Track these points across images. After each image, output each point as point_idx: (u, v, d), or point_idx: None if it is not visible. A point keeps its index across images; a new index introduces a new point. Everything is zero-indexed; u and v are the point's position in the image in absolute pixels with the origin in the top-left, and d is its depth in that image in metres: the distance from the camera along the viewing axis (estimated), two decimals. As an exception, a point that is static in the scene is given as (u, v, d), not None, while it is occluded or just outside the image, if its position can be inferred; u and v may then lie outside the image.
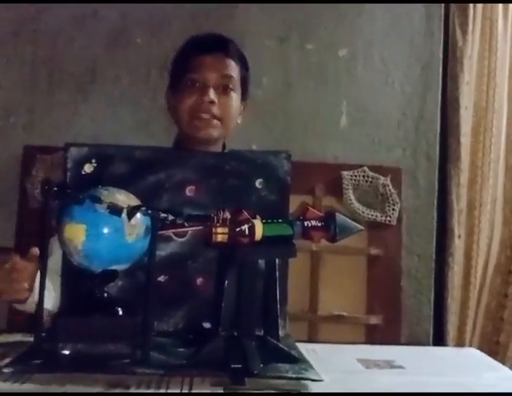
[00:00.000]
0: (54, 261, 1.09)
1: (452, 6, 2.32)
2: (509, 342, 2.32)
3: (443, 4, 2.33)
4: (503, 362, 1.29)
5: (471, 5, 2.30)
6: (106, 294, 1.04)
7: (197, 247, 1.15)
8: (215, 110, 1.42)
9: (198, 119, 1.42)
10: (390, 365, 1.16)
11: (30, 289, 1.18)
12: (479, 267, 2.31)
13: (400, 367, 1.14)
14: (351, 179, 2.21)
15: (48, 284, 1.02)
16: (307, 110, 2.28)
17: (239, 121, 1.51)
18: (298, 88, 2.28)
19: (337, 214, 1.05)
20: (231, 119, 1.46)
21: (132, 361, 0.99)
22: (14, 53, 2.21)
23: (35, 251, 1.15)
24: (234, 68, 1.46)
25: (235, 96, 1.46)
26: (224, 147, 1.51)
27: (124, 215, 0.97)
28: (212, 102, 1.41)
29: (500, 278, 2.34)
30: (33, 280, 1.17)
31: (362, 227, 1.10)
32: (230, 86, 1.44)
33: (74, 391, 0.90)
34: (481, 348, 2.19)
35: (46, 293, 0.99)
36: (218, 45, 1.46)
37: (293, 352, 1.08)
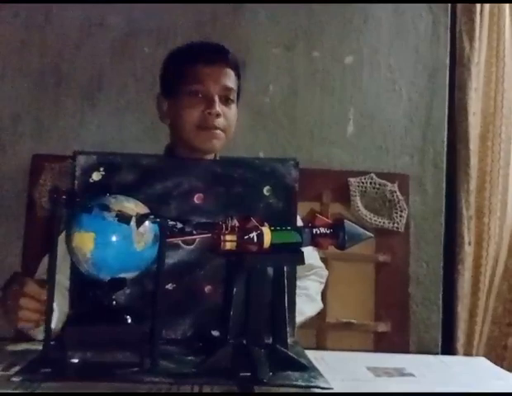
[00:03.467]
0: (62, 276, 1.09)
1: (459, 12, 2.32)
2: (517, 347, 2.31)
3: (449, 11, 2.32)
4: (511, 367, 1.28)
5: (477, 11, 2.30)
6: (114, 303, 1.04)
7: (205, 255, 1.15)
8: (221, 122, 1.43)
9: (204, 130, 1.42)
10: (400, 373, 1.15)
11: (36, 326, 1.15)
12: (487, 274, 2.30)
13: (411, 375, 1.14)
14: (358, 186, 2.20)
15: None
16: (314, 118, 2.28)
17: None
18: (305, 96, 2.28)
19: (346, 221, 1.05)
20: (231, 128, 1.47)
21: (141, 370, 0.98)
22: (21, 61, 2.22)
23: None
24: (233, 80, 1.48)
25: (234, 107, 1.48)
26: (215, 155, 1.51)
27: (132, 223, 0.97)
28: (219, 115, 1.42)
29: (506, 283, 2.33)
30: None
31: (371, 234, 1.10)
32: (231, 97, 1.46)
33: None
34: (488, 354, 2.20)
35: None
36: (220, 56, 1.47)
37: (302, 360, 1.07)
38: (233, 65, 1.48)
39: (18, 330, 1.19)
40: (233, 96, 1.46)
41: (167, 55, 1.57)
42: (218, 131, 1.43)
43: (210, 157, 1.47)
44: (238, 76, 1.50)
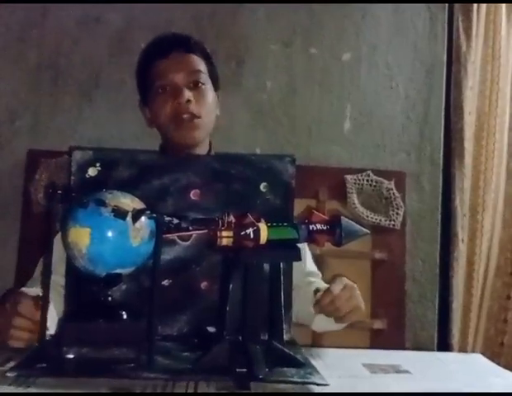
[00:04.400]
0: (59, 276, 1.08)
1: (456, 10, 2.32)
2: (514, 344, 2.32)
3: (446, 8, 2.33)
4: (509, 364, 1.28)
5: (474, 9, 2.30)
6: (110, 298, 1.03)
7: (202, 251, 1.15)
8: (194, 108, 1.38)
9: (180, 121, 1.38)
10: (395, 369, 1.15)
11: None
12: (481, 271, 2.31)
13: (407, 372, 1.14)
14: (355, 183, 2.21)
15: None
16: (311, 115, 2.28)
17: (218, 113, 1.48)
18: (302, 92, 2.28)
19: (342, 217, 1.05)
20: (210, 113, 1.43)
21: (137, 366, 0.98)
22: (18, 57, 2.21)
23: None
24: (198, 62, 1.43)
25: (208, 90, 1.43)
26: (210, 145, 1.49)
27: (129, 219, 0.96)
28: (189, 101, 1.38)
29: (500, 281, 2.34)
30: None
31: (367, 231, 1.10)
32: (201, 80, 1.41)
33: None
34: (484, 351, 2.20)
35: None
36: (175, 44, 1.42)
37: (298, 357, 1.07)
38: (194, 49, 1.43)
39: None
40: (201, 78, 1.41)
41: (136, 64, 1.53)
42: (195, 120, 1.39)
43: (203, 150, 1.45)
44: (205, 58, 1.45)
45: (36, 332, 1.04)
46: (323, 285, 1.40)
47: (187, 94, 1.38)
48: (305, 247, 1.51)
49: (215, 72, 1.48)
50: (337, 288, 1.23)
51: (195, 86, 1.40)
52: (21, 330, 1.09)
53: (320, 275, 1.56)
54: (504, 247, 2.35)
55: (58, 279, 1.11)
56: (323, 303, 1.22)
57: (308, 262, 1.54)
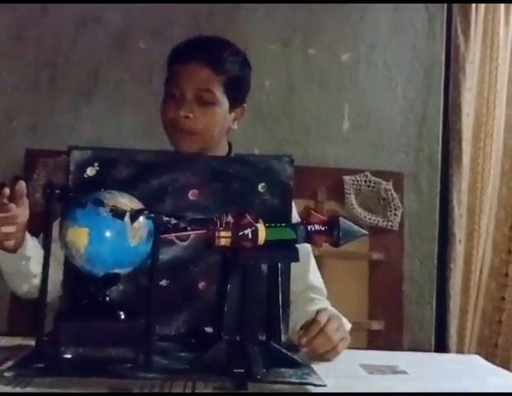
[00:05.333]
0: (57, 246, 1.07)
1: (455, 11, 2.32)
2: (508, 345, 2.32)
3: (445, 9, 2.33)
4: (503, 365, 1.29)
5: (473, 10, 2.30)
6: (108, 298, 1.03)
7: (199, 251, 1.14)
8: (191, 124, 1.33)
9: (177, 132, 1.35)
10: (393, 370, 1.15)
11: (21, 239, 1.14)
12: (477, 272, 2.32)
13: (404, 373, 1.14)
14: (353, 184, 2.21)
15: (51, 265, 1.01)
16: (310, 115, 2.28)
17: (234, 127, 1.42)
18: (301, 92, 2.28)
19: (340, 218, 1.05)
20: (212, 131, 1.36)
21: (134, 365, 0.98)
22: (17, 56, 2.21)
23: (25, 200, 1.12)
24: (213, 80, 1.34)
25: (217, 109, 1.35)
26: (230, 148, 1.45)
27: (127, 219, 0.96)
28: (187, 117, 1.33)
29: (495, 282, 2.35)
30: (24, 230, 1.14)
31: (365, 231, 1.10)
32: (209, 99, 1.34)
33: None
34: (479, 352, 2.21)
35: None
36: (198, 54, 1.34)
37: (296, 357, 1.07)
38: (217, 63, 1.34)
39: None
40: (211, 98, 1.34)
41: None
42: (191, 136, 1.34)
43: (220, 152, 1.41)
44: (226, 76, 1.35)
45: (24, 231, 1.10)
46: (319, 306, 1.34)
47: (188, 109, 1.33)
48: (309, 257, 1.47)
49: (238, 87, 1.38)
50: (324, 317, 1.20)
51: (202, 102, 1.34)
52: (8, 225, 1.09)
53: (325, 292, 1.48)
54: (498, 248, 2.35)
55: (56, 247, 1.08)
56: (311, 334, 1.17)
57: (311, 275, 1.47)
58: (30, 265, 1.19)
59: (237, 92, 1.39)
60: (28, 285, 1.23)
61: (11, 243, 1.13)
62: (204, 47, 1.38)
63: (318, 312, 1.23)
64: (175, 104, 1.35)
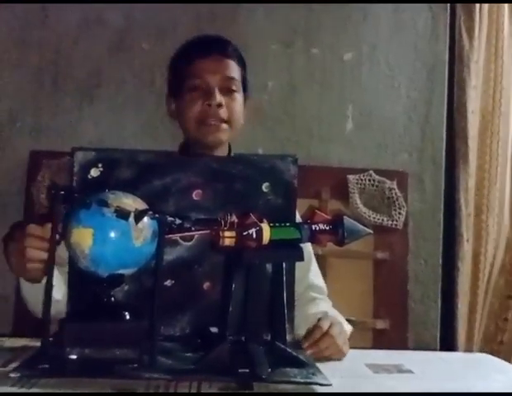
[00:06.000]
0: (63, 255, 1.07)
1: (459, 10, 2.32)
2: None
3: (448, 8, 2.32)
4: (508, 361, 1.28)
5: (477, 9, 2.30)
6: (112, 299, 1.03)
7: (204, 252, 1.14)
8: (223, 113, 1.39)
9: (206, 125, 1.39)
10: (398, 369, 1.15)
11: (45, 270, 1.12)
12: (486, 271, 2.31)
13: (409, 372, 1.13)
14: (357, 183, 2.20)
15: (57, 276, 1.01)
16: (313, 115, 2.28)
17: (242, 121, 1.48)
18: (303, 92, 2.28)
19: (345, 217, 1.05)
20: (238, 120, 1.44)
21: (139, 366, 0.98)
22: (19, 58, 2.21)
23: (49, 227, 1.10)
24: (235, 69, 1.44)
25: (239, 97, 1.44)
26: (230, 149, 1.50)
27: (131, 219, 0.96)
28: (220, 105, 1.38)
29: (503, 279, 2.35)
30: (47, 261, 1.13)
31: (370, 230, 1.09)
32: (234, 87, 1.42)
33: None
34: (484, 348, 2.20)
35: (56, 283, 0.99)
36: (216, 47, 1.43)
37: (301, 357, 1.07)
38: (232, 55, 1.44)
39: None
40: (235, 86, 1.42)
41: (173, 55, 1.52)
42: (221, 124, 1.40)
43: (222, 152, 1.45)
44: (241, 65, 1.46)
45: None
46: (320, 309, 1.38)
47: (219, 97, 1.39)
48: (311, 257, 1.49)
49: (246, 82, 1.48)
50: (326, 324, 1.24)
51: (228, 91, 1.41)
52: (35, 249, 1.08)
53: (326, 291, 1.52)
54: (510, 246, 2.35)
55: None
56: (315, 337, 1.20)
57: (312, 274, 1.50)
58: (54, 292, 1.18)
59: (246, 85, 1.47)
60: (53, 311, 1.23)
61: (39, 273, 1.11)
62: (222, 41, 1.46)
63: (319, 319, 1.26)
64: (201, 96, 1.39)
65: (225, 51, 1.43)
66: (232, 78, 1.42)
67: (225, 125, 1.40)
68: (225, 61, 1.42)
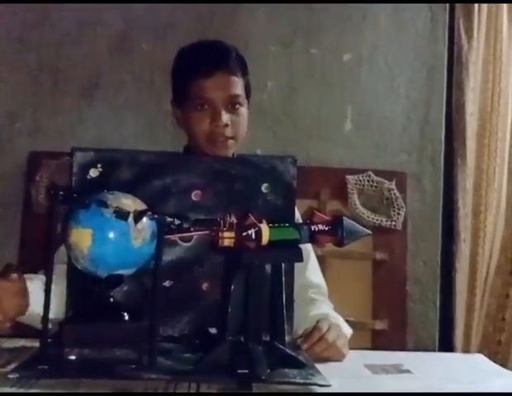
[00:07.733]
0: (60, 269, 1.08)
1: (457, 11, 2.32)
2: (510, 342, 2.32)
3: (447, 9, 2.32)
4: (504, 363, 1.29)
5: (476, 10, 2.30)
6: (111, 300, 1.03)
7: (203, 252, 1.14)
8: (229, 132, 1.39)
9: (214, 143, 1.39)
10: (397, 370, 1.15)
11: (24, 306, 1.14)
12: (483, 271, 2.31)
13: (408, 372, 1.14)
14: (356, 183, 2.20)
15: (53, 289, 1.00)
16: (312, 115, 2.28)
17: (246, 130, 1.47)
18: (303, 93, 2.28)
19: (344, 218, 1.05)
20: (243, 133, 1.44)
21: (138, 366, 0.98)
22: (19, 59, 2.21)
23: (15, 276, 1.12)
24: (239, 85, 1.42)
25: (244, 111, 1.43)
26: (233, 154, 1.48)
27: (130, 220, 0.96)
28: (226, 125, 1.38)
29: (500, 279, 2.35)
30: (22, 297, 1.14)
31: (369, 231, 1.09)
32: (238, 103, 1.41)
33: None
34: (482, 349, 2.20)
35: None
36: (220, 65, 1.40)
37: (300, 357, 1.07)
38: (235, 68, 1.41)
39: (16, 327, 1.17)
40: (240, 100, 1.41)
41: (173, 63, 1.48)
42: (229, 141, 1.40)
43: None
44: (243, 74, 1.44)
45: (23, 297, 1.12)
46: (320, 311, 1.38)
47: (225, 117, 1.38)
48: (309, 255, 1.48)
49: (249, 88, 1.47)
50: (324, 326, 1.24)
51: (232, 108, 1.40)
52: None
53: (325, 288, 1.51)
54: (506, 246, 2.35)
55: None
56: (313, 340, 1.21)
57: (309, 272, 1.49)
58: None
59: (249, 91, 1.46)
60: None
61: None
62: (220, 55, 1.42)
63: (318, 321, 1.27)
64: (207, 115, 1.39)
65: (227, 68, 1.40)
66: (237, 95, 1.41)
67: (231, 141, 1.40)
68: (229, 79, 1.40)
